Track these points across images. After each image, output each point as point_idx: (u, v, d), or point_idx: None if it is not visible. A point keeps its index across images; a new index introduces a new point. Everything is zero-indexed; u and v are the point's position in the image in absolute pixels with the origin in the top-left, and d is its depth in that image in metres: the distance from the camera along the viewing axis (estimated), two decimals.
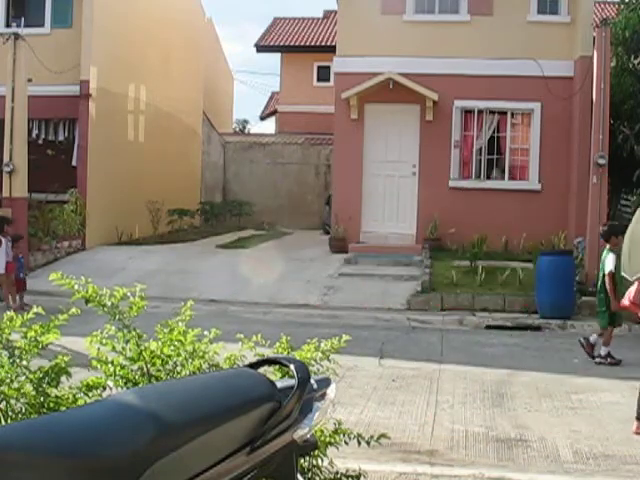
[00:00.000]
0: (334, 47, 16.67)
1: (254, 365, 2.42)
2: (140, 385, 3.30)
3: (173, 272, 13.53)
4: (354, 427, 3.99)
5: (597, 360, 8.36)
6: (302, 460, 3.38)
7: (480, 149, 15.33)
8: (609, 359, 8.35)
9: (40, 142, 16.26)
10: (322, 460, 3.55)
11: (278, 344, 3.76)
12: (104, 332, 3.49)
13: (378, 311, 11.44)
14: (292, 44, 26.27)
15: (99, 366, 3.44)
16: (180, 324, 3.55)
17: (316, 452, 3.37)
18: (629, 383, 7.33)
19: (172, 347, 3.46)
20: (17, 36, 13.92)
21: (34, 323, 3.44)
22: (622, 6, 16.04)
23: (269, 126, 58.89)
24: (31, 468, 1.70)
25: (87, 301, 3.51)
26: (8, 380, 3.25)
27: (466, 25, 15.21)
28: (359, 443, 3.68)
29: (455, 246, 14.32)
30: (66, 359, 3.42)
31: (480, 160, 15.32)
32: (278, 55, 26.84)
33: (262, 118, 32.74)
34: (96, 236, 16.00)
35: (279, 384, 2.25)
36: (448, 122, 15.10)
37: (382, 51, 14.99)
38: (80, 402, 3.26)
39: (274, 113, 29.72)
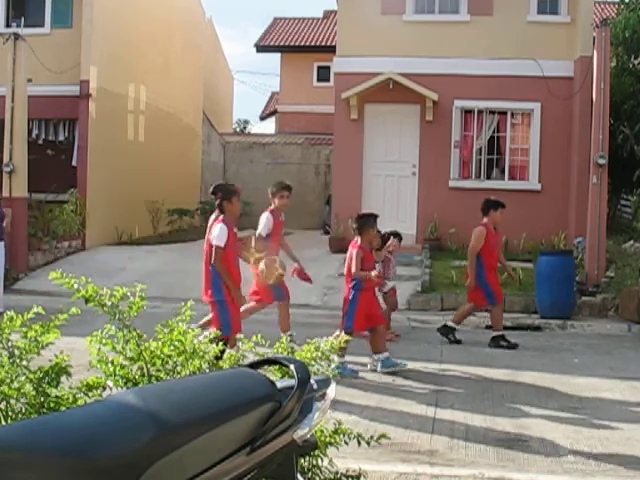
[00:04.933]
0: (334, 47, 16.65)
1: (254, 365, 2.42)
2: (140, 385, 3.30)
3: (173, 272, 13.51)
4: (354, 427, 3.98)
5: None
6: (302, 460, 3.37)
7: (480, 149, 15.32)
8: None
9: (40, 142, 16.24)
10: (322, 460, 3.55)
11: (278, 344, 3.76)
12: (104, 332, 3.49)
13: None
14: (292, 44, 26.22)
15: (99, 366, 3.44)
16: (180, 324, 3.55)
17: (316, 452, 3.37)
18: (629, 383, 7.34)
19: (172, 347, 3.46)
20: (17, 36, 13.90)
21: (34, 323, 3.44)
22: (622, 6, 16.04)
23: (269, 126, 59.01)
24: (31, 468, 1.70)
25: (87, 301, 3.51)
26: (8, 380, 3.25)
27: (466, 25, 15.19)
28: (359, 443, 3.68)
29: (455, 246, 14.31)
30: (66, 359, 3.42)
31: (480, 160, 15.31)
32: (278, 55, 26.83)
33: (262, 118, 32.71)
34: (96, 236, 15.99)
35: (279, 384, 2.25)
36: (448, 122, 15.09)
37: (382, 51, 14.98)
38: (80, 402, 3.25)
39: (274, 113, 29.70)
